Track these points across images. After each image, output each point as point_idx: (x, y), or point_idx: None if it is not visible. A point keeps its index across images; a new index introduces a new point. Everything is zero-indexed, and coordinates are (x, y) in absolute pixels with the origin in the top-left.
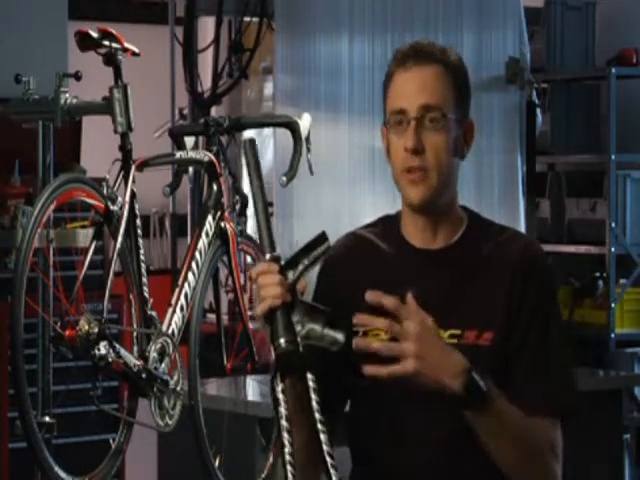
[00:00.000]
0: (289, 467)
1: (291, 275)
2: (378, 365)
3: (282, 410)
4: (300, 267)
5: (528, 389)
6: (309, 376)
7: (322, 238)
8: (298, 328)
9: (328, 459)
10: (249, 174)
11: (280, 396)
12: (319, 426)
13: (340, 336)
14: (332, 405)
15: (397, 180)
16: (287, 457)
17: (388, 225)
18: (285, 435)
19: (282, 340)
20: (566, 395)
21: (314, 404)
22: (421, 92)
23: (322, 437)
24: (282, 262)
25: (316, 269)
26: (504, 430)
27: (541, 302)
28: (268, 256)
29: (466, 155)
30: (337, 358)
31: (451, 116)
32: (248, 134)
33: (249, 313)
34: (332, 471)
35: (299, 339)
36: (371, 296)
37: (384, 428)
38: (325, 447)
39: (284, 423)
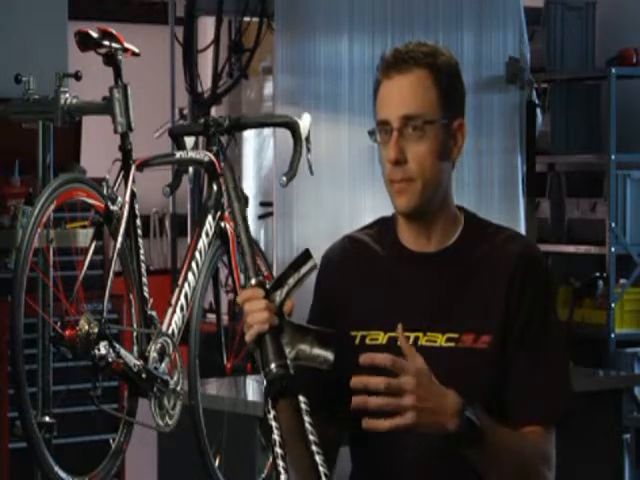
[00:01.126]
0: None
1: (278, 296)
2: (377, 419)
3: (276, 437)
4: (286, 288)
5: (523, 395)
6: (301, 399)
7: (306, 256)
8: (287, 350)
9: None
10: (229, 198)
11: (273, 423)
12: (314, 447)
13: (329, 355)
14: (335, 410)
15: (387, 190)
16: None
17: (384, 228)
18: (280, 462)
19: (273, 365)
20: (561, 401)
21: (307, 426)
22: (401, 102)
23: (317, 458)
24: (267, 285)
25: (312, 280)
26: (498, 459)
27: (539, 305)
28: (253, 281)
29: (457, 158)
30: (329, 373)
31: (435, 121)
32: (252, 132)
33: None
34: None
35: (289, 362)
36: (365, 359)
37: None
38: (321, 469)
39: (278, 450)
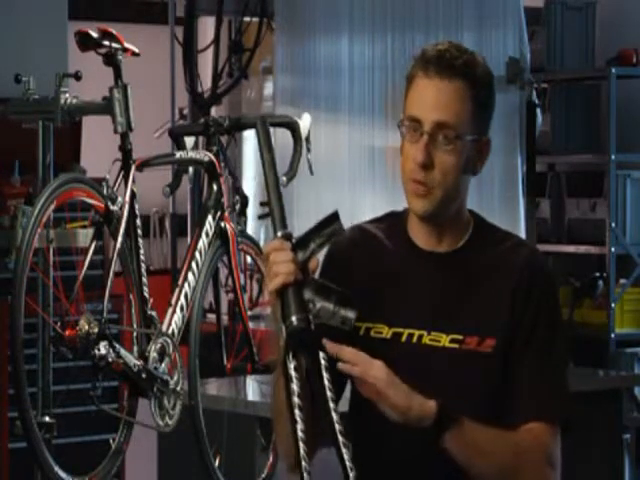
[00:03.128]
0: (301, 444)
1: (301, 254)
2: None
3: (294, 387)
4: (312, 246)
5: (526, 393)
6: (321, 354)
7: (334, 217)
8: (309, 306)
9: (340, 437)
10: (260, 149)
11: (292, 373)
12: (331, 404)
13: (351, 314)
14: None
15: (403, 185)
16: (299, 434)
17: (395, 222)
18: (297, 412)
19: (294, 318)
20: (565, 405)
21: (326, 382)
22: (438, 107)
23: (334, 416)
24: (293, 240)
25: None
26: (479, 452)
27: (544, 311)
28: (280, 233)
29: (479, 171)
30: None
31: (466, 136)
32: (252, 132)
33: (249, 313)
34: (344, 450)
35: (311, 317)
36: (331, 348)
37: (385, 418)
38: (337, 426)
39: (296, 400)
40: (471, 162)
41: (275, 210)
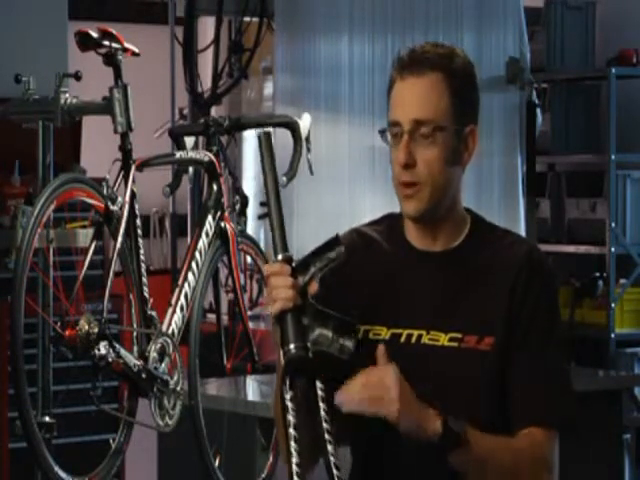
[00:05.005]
0: (296, 478)
1: (302, 279)
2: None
3: (290, 418)
4: (312, 270)
5: (523, 397)
6: (318, 384)
7: (335, 241)
8: (308, 332)
9: (335, 471)
10: (263, 168)
11: (289, 404)
12: (327, 436)
13: (349, 344)
14: None
15: (395, 191)
16: (294, 467)
17: (392, 224)
18: (292, 444)
19: (292, 346)
20: (561, 405)
21: (322, 413)
22: (414, 106)
23: (329, 448)
24: (293, 264)
25: None
26: (486, 467)
27: (542, 310)
28: (280, 256)
29: (468, 162)
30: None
31: (447, 127)
32: (252, 133)
33: (249, 313)
34: None
35: (309, 344)
36: (341, 404)
37: (386, 423)
38: (332, 458)
39: (292, 432)
40: (456, 153)
41: (276, 232)
